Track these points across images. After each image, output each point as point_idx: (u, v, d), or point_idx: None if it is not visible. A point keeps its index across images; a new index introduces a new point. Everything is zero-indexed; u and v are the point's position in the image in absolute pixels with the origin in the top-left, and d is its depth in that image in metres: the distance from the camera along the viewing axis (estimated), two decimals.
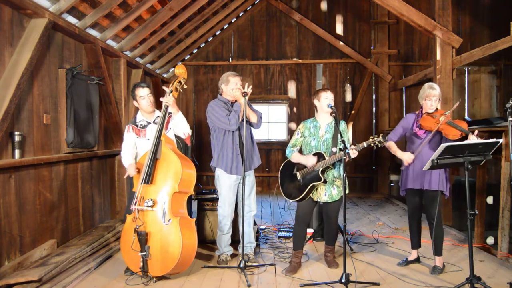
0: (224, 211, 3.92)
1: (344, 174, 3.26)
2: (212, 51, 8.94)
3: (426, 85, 3.67)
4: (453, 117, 5.75)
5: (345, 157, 3.24)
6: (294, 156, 3.68)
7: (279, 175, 3.84)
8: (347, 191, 3.61)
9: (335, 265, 3.77)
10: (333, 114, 3.47)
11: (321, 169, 3.48)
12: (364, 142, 3.35)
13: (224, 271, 3.72)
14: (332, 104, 3.56)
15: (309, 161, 3.55)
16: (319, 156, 3.53)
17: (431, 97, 3.58)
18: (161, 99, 3.57)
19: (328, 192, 3.59)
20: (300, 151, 3.74)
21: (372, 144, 3.31)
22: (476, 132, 3.32)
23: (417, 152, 3.59)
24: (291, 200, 3.67)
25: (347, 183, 3.63)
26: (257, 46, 8.93)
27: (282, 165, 3.84)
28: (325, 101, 3.58)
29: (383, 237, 4.87)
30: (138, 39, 5.72)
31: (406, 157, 3.64)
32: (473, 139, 3.25)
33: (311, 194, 3.59)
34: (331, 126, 3.62)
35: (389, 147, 3.80)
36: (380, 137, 3.30)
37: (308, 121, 3.76)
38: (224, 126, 3.77)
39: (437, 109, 3.62)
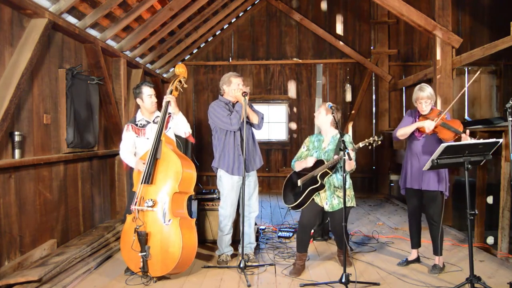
0: (225, 211, 3.92)
1: (344, 174, 3.25)
2: (212, 51, 8.94)
3: (416, 87, 3.62)
4: (453, 117, 5.73)
5: (345, 157, 3.23)
6: (296, 164, 3.75)
7: (283, 186, 3.85)
8: (354, 204, 3.65)
9: (347, 264, 3.74)
10: (333, 114, 3.45)
11: (319, 173, 3.50)
12: (360, 143, 3.38)
13: (224, 271, 3.72)
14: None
15: (308, 161, 3.61)
16: (320, 163, 3.56)
17: (420, 100, 3.56)
18: (164, 97, 3.59)
19: (329, 201, 3.59)
20: None
21: (367, 144, 3.34)
22: (468, 132, 3.31)
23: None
24: (289, 206, 3.66)
25: (353, 196, 3.67)
26: (257, 46, 8.93)
27: (287, 178, 3.87)
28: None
29: (383, 237, 4.86)
30: (138, 39, 5.72)
31: (427, 123, 3.44)
32: (466, 139, 3.24)
33: (313, 198, 3.59)
34: (336, 138, 3.65)
35: (403, 134, 3.65)
36: (375, 136, 3.32)
37: (313, 135, 3.86)
38: (226, 126, 3.77)
39: (432, 109, 3.58)
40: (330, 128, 3.70)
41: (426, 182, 3.58)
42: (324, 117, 3.69)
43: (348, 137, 3.65)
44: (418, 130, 3.58)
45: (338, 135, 3.64)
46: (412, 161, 3.66)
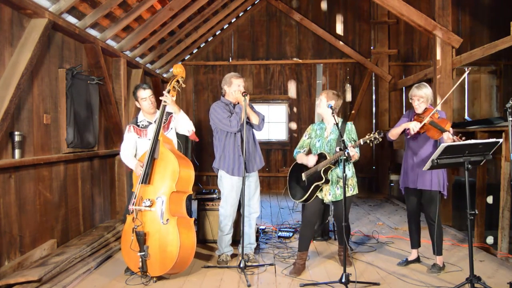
0: (225, 211, 3.92)
1: (344, 174, 3.25)
2: (212, 51, 8.94)
3: (415, 84, 3.67)
4: (453, 117, 5.72)
5: (344, 157, 3.24)
6: (298, 157, 3.75)
7: (287, 177, 3.88)
8: (356, 192, 3.66)
9: (347, 263, 3.75)
10: (333, 114, 3.47)
11: (323, 169, 3.51)
12: (361, 140, 3.38)
13: (224, 271, 3.72)
14: (333, 104, 3.58)
15: (310, 161, 3.61)
16: (322, 156, 3.56)
17: (413, 97, 3.60)
18: (160, 98, 3.59)
19: (332, 192, 3.60)
20: (309, 153, 3.78)
21: (368, 141, 3.32)
22: (451, 130, 3.33)
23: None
24: (297, 201, 3.71)
25: (355, 183, 3.67)
26: (257, 46, 8.93)
27: (291, 167, 3.88)
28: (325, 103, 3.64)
29: (383, 237, 4.86)
30: (138, 39, 5.72)
31: (412, 125, 3.49)
32: (449, 138, 3.23)
33: (316, 194, 3.60)
34: (336, 128, 3.62)
35: (394, 134, 3.70)
36: (376, 133, 3.29)
37: (316, 123, 3.84)
38: (226, 128, 3.77)
39: (427, 108, 3.59)
40: (332, 116, 3.61)
41: (423, 181, 3.59)
42: (325, 105, 3.65)
43: (350, 125, 3.66)
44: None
45: (340, 123, 3.64)
46: (409, 160, 3.70)
